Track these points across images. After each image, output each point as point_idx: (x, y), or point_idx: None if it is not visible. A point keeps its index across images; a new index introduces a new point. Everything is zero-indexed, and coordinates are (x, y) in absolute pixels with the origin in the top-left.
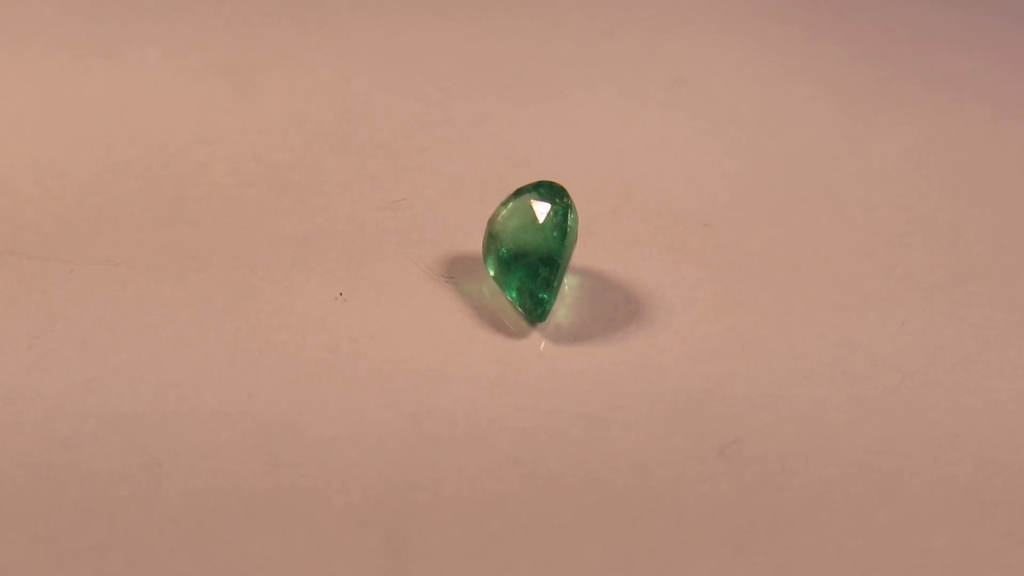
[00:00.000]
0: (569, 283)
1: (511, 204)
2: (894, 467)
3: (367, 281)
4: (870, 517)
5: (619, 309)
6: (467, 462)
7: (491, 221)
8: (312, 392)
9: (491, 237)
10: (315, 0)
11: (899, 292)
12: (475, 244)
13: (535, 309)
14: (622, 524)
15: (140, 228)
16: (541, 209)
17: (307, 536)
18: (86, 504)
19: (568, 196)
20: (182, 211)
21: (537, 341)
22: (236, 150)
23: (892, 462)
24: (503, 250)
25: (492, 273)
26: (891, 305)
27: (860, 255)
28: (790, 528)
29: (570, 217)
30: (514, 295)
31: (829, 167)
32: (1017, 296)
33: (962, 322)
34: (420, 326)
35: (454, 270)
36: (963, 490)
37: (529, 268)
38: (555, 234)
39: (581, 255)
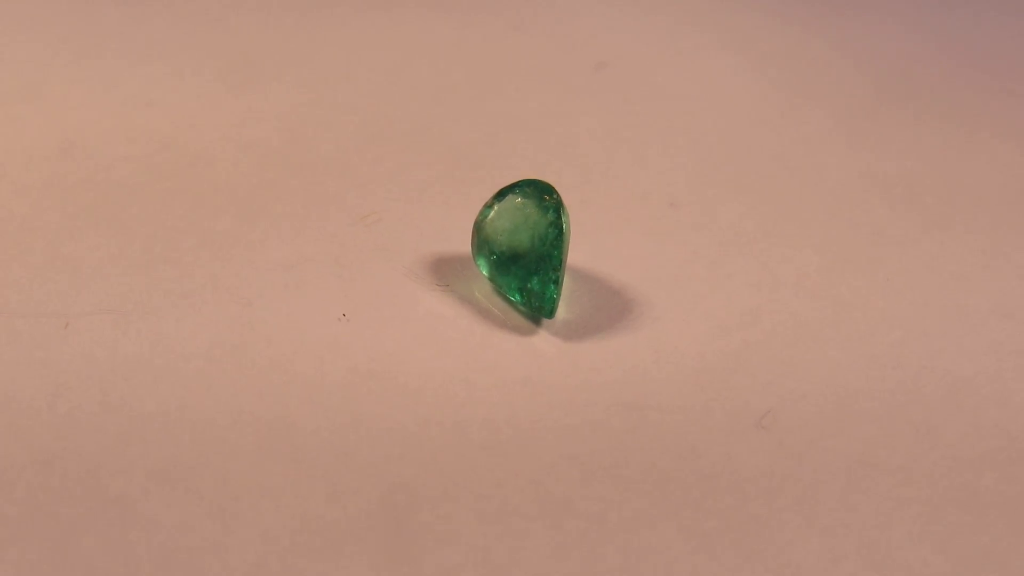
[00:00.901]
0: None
1: (499, 205)
2: (924, 416)
3: (364, 298)
4: (916, 464)
5: (615, 298)
6: (524, 465)
7: (480, 224)
8: (350, 416)
9: (483, 240)
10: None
11: (873, 249)
12: (454, 246)
13: (543, 307)
14: (689, 505)
15: (121, 273)
16: (532, 208)
17: (388, 560)
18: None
19: (556, 192)
20: (161, 251)
21: (548, 338)
22: (194, 182)
23: (919, 410)
24: (498, 252)
25: (486, 274)
26: (870, 262)
27: (826, 218)
28: (849, 485)
29: (563, 213)
30: (517, 296)
31: (770, 134)
32: (981, 239)
33: (942, 270)
34: (431, 336)
35: (440, 275)
36: (993, 429)
37: (530, 267)
38: (552, 231)
39: None
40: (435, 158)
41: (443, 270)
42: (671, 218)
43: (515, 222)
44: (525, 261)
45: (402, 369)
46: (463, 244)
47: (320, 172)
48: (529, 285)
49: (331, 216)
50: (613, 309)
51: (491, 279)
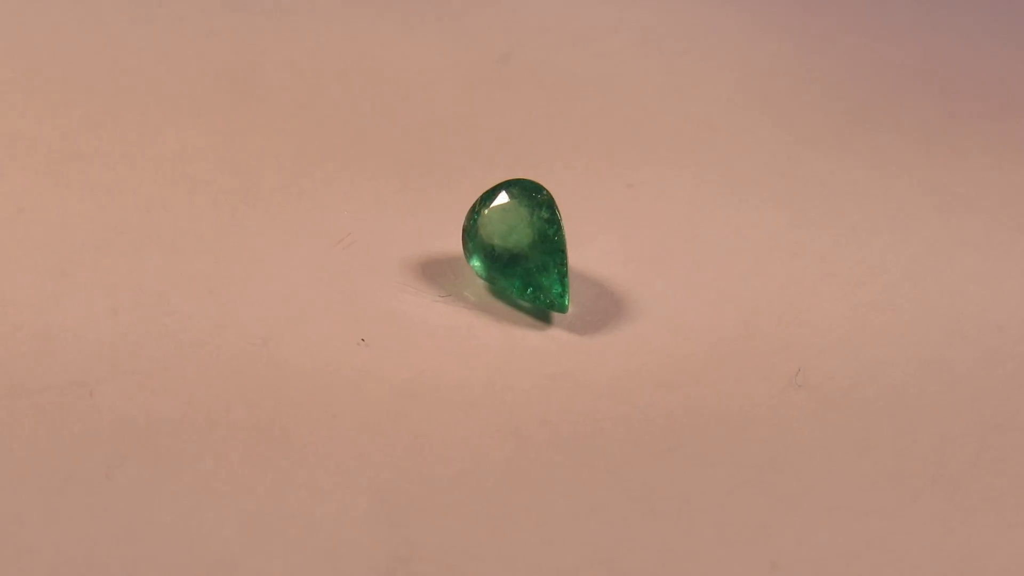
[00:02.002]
0: None
1: (489, 209)
2: (941, 352)
3: (372, 320)
4: (951, 401)
5: (606, 285)
6: (597, 456)
7: (471, 228)
8: (412, 441)
9: (478, 244)
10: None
11: (825, 200)
12: (437, 254)
13: (556, 302)
14: (750, 465)
15: (125, 332)
16: (524, 207)
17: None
18: None
19: (545, 188)
20: (153, 303)
21: (563, 333)
22: (157, 230)
23: (937, 348)
24: (496, 254)
25: (484, 276)
26: (831, 216)
27: (771, 175)
28: (892, 430)
29: (556, 207)
30: (525, 294)
31: (681, 101)
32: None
33: (899, 211)
34: (454, 347)
35: (434, 285)
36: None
37: (534, 265)
38: (551, 227)
39: None
40: (389, 169)
41: (434, 279)
42: (626, 199)
43: (509, 223)
44: (527, 260)
45: (442, 384)
46: (444, 250)
47: (279, 198)
48: (537, 283)
49: (308, 242)
50: (612, 297)
51: (490, 281)
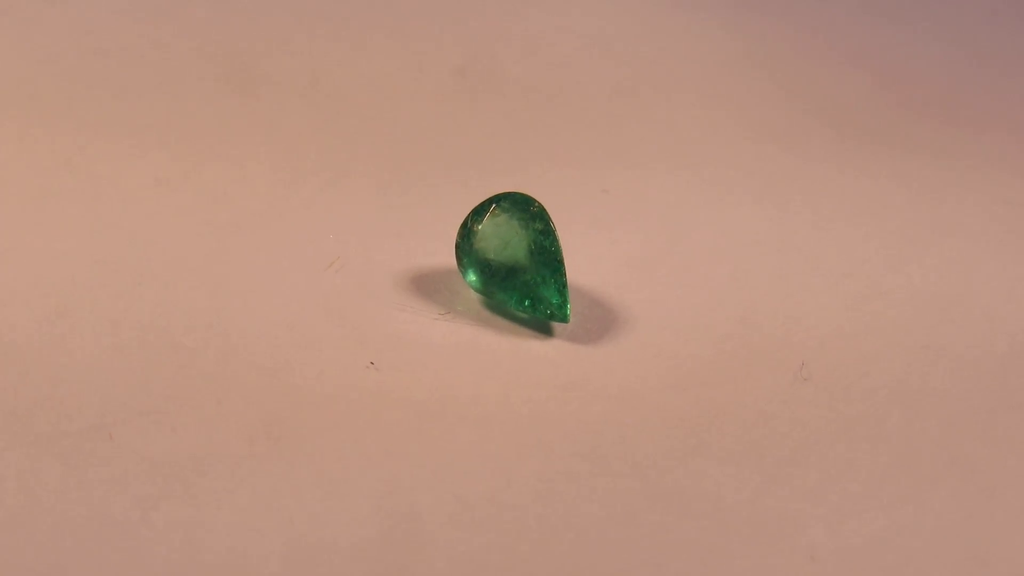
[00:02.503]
0: None
1: (482, 224)
2: (933, 337)
3: (376, 342)
4: (952, 384)
5: (598, 292)
6: (627, 458)
7: (465, 244)
8: (441, 461)
9: (474, 259)
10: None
11: (797, 195)
12: (426, 270)
13: (557, 313)
14: (773, 460)
15: (139, 372)
16: (518, 221)
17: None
18: None
19: (537, 202)
20: (158, 341)
21: (565, 343)
22: (148, 266)
23: (929, 333)
24: (493, 268)
25: (480, 290)
26: (805, 210)
27: (742, 173)
28: (901, 416)
29: (549, 219)
30: (524, 306)
31: (649, 105)
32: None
33: (870, 202)
34: (464, 364)
35: (428, 303)
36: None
37: (533, 277)
38: (547, 239)
39: None
40: (367, 188)
41: (430, 297)
42: (603, 205)
43: (503, 237)
44: (525, 272)
45: (458, 402)
46: (433, 267)
47: (261, 224)
48: (536, 294)
49: (299, 267)
50: (607, 303)
51: (487, 295)
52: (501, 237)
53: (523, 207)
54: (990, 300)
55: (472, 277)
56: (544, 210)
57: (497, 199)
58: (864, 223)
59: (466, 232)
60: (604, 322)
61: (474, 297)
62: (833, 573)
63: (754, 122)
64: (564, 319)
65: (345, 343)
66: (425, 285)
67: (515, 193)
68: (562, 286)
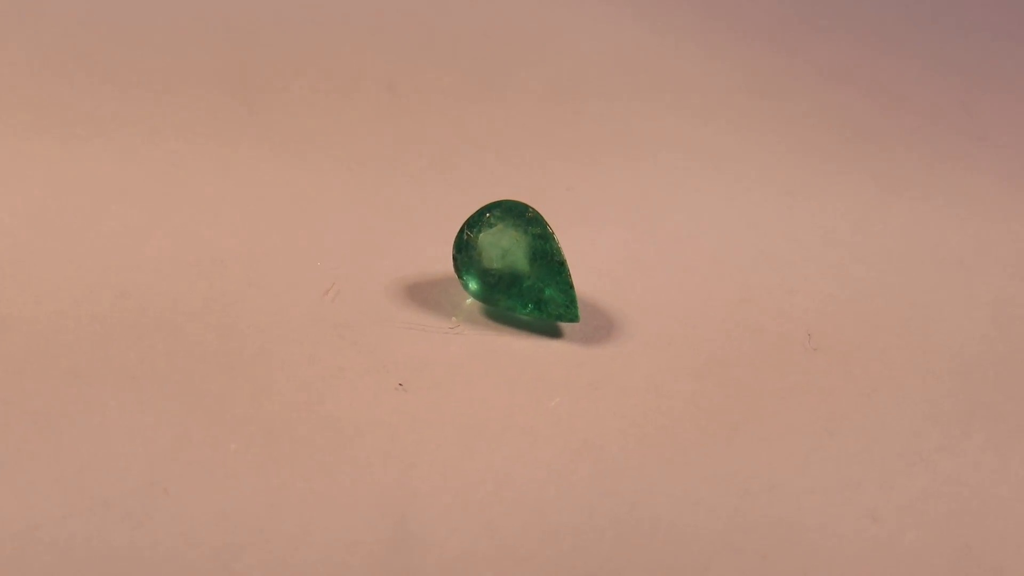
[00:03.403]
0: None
1: (480, 234)
2: (921, 295)
3: (396, 362)
4: (954, 338)
5: (595, 289)
6: (676, 447)
7: (465, 255)
8: (498, 474)
9: (475, 271)
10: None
11: (758, 171)
12: (418, 287)
13: (566, 313)
14: (811, 431)
15: (170, 429)
16: (514, 228)
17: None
18: None
19: (530, 207)
20: (188, 390)
21: (575, 344)
22: (142, 317)
23: (915, 291)
24: (498, 277)
25: (483, 299)
26: (767, 186)
27: (706, 157)
28: (916, 373)
29: (546, 223)
30: (532, 310)
31: (606, 99)
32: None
33: (827, 172)
34: (488, 375)
35: (436, 317)
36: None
37: (538, 281)
38: (548, 244)
39: None
40: (343, 210)
41: (434, 312)
42: (568, 204)
43: (503, 246)
44: (528, 279)
45: (496, 413)
46: (427, 280)
47: (246, 258)
48: (541, 298)
49: (297, 298)
50: (607, 299)
51: (490, 303)
52: (499, 246)
53: (517, 214)
54: (961, 252)
55: (474, 287)
56: (539, 214)
57: (489, 208)
58: (823, 194)
59: (463, 244)
60: (608, 319)
61: (475, 305)
62: (897, 529)
63: (711, 105)
64: (574, 319)
65: (367, 369)
66: (423, 299)
67: (506, 201)
68: (568, 287)
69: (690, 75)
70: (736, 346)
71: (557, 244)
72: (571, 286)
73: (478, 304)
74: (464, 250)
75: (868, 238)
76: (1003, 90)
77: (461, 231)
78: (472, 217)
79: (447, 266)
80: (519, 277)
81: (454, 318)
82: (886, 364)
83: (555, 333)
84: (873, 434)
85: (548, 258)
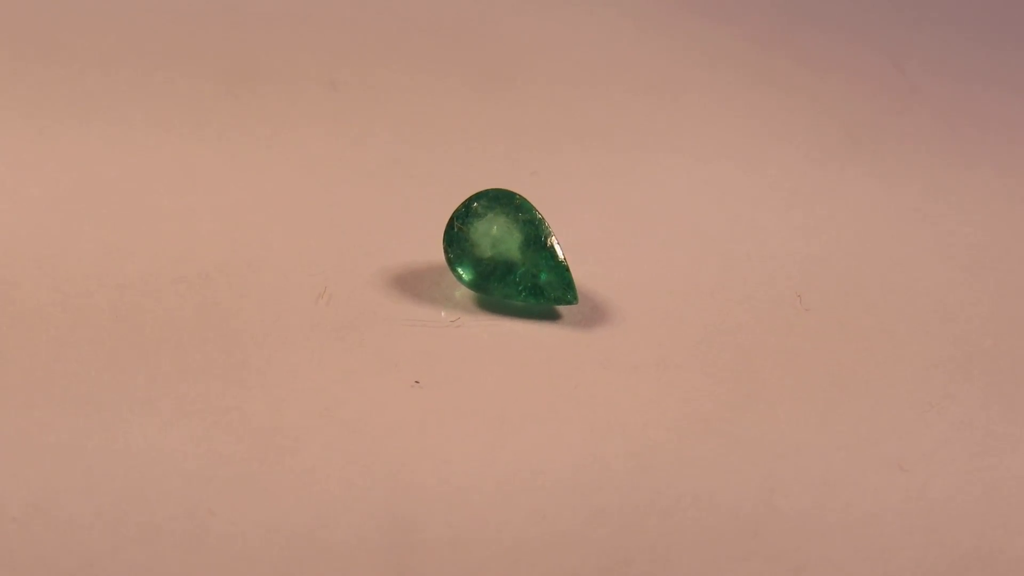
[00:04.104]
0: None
1: (470, 224)
2: (898, 251)
3: (406, 360)
4: (941, 293)
5: (582, 271)
6: (703, 414)
7: (457, 246)
8: (538, 465)
9: (468, 261)
10: None
11: (718, 141)
12: (409, 282)
13: (565, 295)
14: (826, 388)
15: (197, 451)
16: (503, 216)
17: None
18: None
19: (517, 195)
20: (209, 409)
21: (575, 328)
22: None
23: (891, 248)
24: (493, 266)
25: (477, 288)
26: (730, 155)
27: (672, 129)
28: (913, 330)
29: (535, 209)
30: (528, 295)
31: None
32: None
33: (787, 143)
34: (500, 364)
35: (434, 311)
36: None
37: (532, 266)
38: (538, 228)
39: None
40: (317, 211)
41: (431, 305)
42: (533, 187)
43: (493, 235)
44: (522, 265)
45: (518, 403)
46: (416, 274)
47: (230, 273)
48: (537, 284)
49: (291, 305)
50: (596, 280)
51: (484, 292)
52: (490, 235)
53: (505, 202)
54: (912, 203)
55: (468, 278)
56: (526, 200)
57: (476, 198)
58: (786, 163)
59: (453, 237)
60: (598, 298)
61: (467, 294)
62: (926, 477)
63: (664, 79)
64: (573, 301)
65: (378, 370)
66: (416, 292)
67: (490, 190)
68: (564, 269)
69: (644, 52)
70: (730, 315)
71: (548, 228)
72: (567, 268)
73: (468, 294)
74: (455, 243)
75: (832, 198)
76: (934, 44)
77: (450, 224)
78: (459, 209)
79: (431, 257)
80: (513, 264)
81: (443, 314)
82: (877, 318)
83: (552, 316)
84: (881, 387)
85: (539, 243)
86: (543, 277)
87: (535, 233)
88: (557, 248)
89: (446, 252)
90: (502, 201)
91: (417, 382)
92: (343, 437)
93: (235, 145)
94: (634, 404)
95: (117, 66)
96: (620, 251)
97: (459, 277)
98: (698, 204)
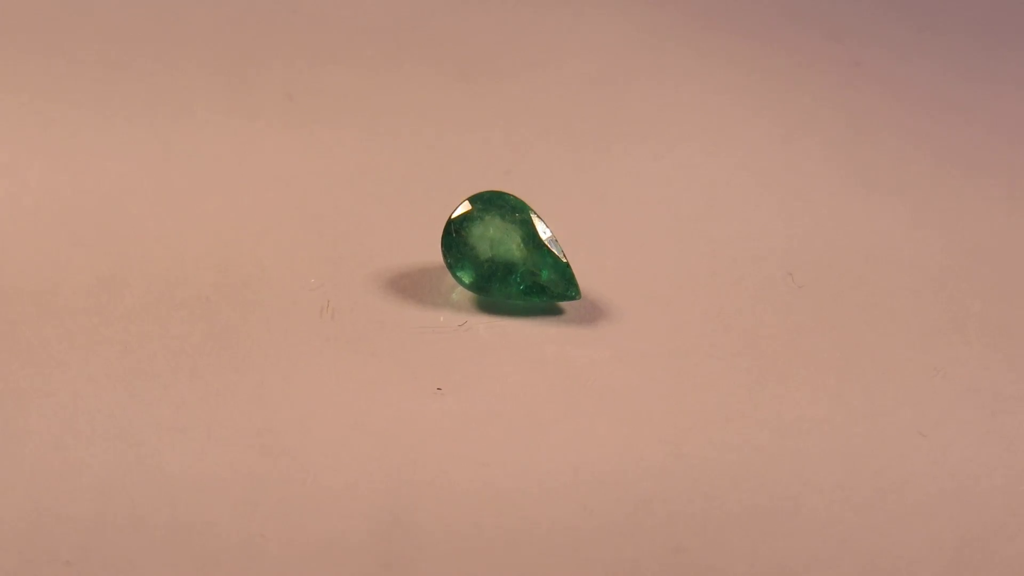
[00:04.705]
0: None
1: (468, 227)
2: (875, 221)
3: (424, 368)
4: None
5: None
6: (733, 393)
7: (455, 250)
8: (592, 468)
9: (470, 263)
10: None
11: (692, 132)
12: (411, 288)
13: (569, 290)
14: (839, 361)
15: (222, 469)
16: (498, 217)
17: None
18: None
19: (511, 195)
20: (238, 433)
21: (580, 325)
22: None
23: (867, 220)
24: (493, 267)
25: (478, 290)
26: (701, 146)
27: (649, 119)
28: (902, 290)
29: (529, 208)
30: (531, 293)
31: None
32: None
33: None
34: (520, 366)
35: (440, 316)
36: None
37: (532, 264)
38: (534, 227)
39: None
40: (305, 222)
41: (429, 309)
42: (505, 183)
43: (491, 236)
44: (523, 265)
45: (549, 404)
46: (417, 279)
47: (230, 287)
48: (537, 282)
49: (297, 319)
50: (592, 274)
51: (484, 293)
52: (488, 237)
53: (499, 203)
54: (877, 173)
55: (468, 281)
56: (520, 200)
57: (471, 200)
58: (751, 149)
59: (452, 242)
60: (597, 291)
61: (464, 295)
62: (945, 440)
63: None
64: (576, 296)
65: (398, 379)
66: (415, 296)
67: (484, 192)
68: (564, 266)
69: (598, 41)
70: (726, 298)
71: (545, 226)
72: (567, 264)
73: (465, 295)
74: (454, 247)
75: (799, 175)
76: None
77: (447, 229)
78: (456, 211)
79: (422, 260)
80: (513, 264)
81: (441, 319)
82: (870, 290)
83: (555, 312)
84: (885, 357)
85: (537, 241)
86: (544, 275)
87: (533, 232)
88: (556, 245)
89: (445, 257)
90: (496, 202)
91: (439, 389)
92: (379, 448)
93: (206, 164)
94: (654, 394)
95: (85, 86)
96: (604, 243)
97: (460, 281)
98: (672, 190)
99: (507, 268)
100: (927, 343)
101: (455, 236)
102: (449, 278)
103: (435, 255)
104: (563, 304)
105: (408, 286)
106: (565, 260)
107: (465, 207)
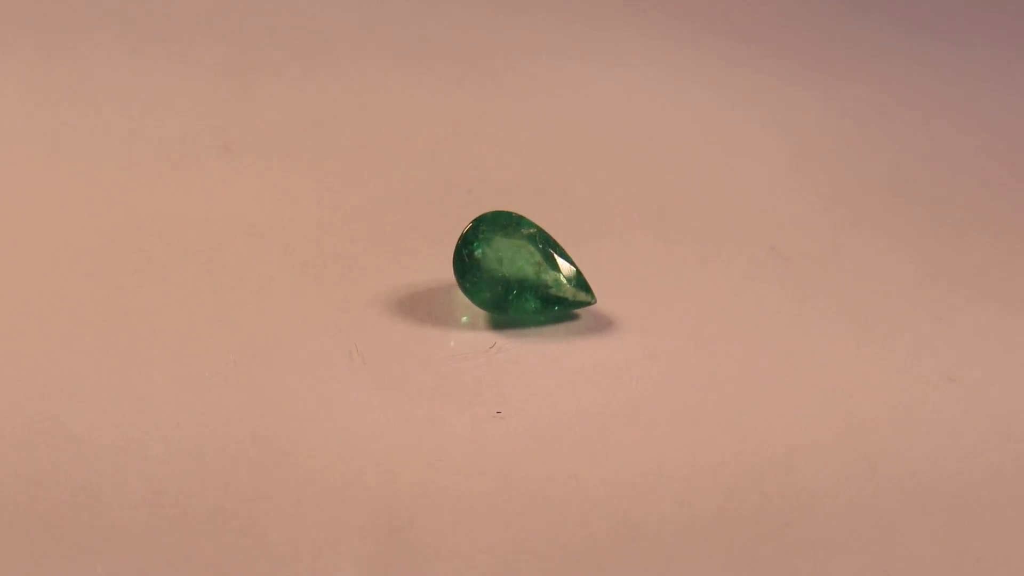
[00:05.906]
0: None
1: (478, 249)
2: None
3: (473, 394)
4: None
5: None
6: (747, 376)
7: (470, 273)
8: (664, 470)
9: (486, 283)
10: None
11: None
12: (426, 316)
13: (583, 299)
14: (865, 320)
15: (238, 465)
16: (505, 235)
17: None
18: None
19: (514, 213)
20: (267, 449)
21: (598, 335)
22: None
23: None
24: (509, 286)
25: (497, 310)
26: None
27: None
28: (890, 253)
29: (533, 224)
30: (546, 306)
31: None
32: None
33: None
34: (564, 382)
35: (471, 341)
36: None
37: (545, 281)
38: (540, 240)
39: None
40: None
41: (453, 334)
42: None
43: (502, 255)
44: (536, 279)
45: (602, 417)
46: (434, 305)
47: (248, 309)
48: (559, 292)
49: (331, 368)
50: (599, 282)
51: (501, 312)
52: (499, 255)
53: (505, 221)
54: (846, 136)
55: (486, 298)
56: (523, 217)
57: (477, 222)
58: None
59: (465, 266)
60: (616, 296)
61: (478, 317)
62: (974, 383)
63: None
64: (592, 301)
65: (457, 409)
66: (434, 323)
67: (487, 213)
68: (576, 273)
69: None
70: (719, 280)
71: (551, 238)
72: (579, 272)
73: (475, 317)
74: (469, 271)
75: (764, 140)
76: None
77: (458, 253)
78: (465, 235)
79: (425, 283)
80: (527, 280)
81: (452, 343)
82: (853, 255)
83: (571, 317)
84: (891, 317)
85: (547, 255)
86: (559, 285)
87: (541, 247)
88: (564, 253)
89: (460, 283)
90: (501, 222)
91: (499, 412)
92: (471, 483)
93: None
94: (699, 383)
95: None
96: (602, 245)
97: (477, 301)
98: (649, 181)
99: (521, 284)
100: (925, 296)
101: (467, 259)
102: (456, 301)
103: (440, 278)
104: (585, 314)
105: (422, 314)
106: (577, 268)
107: (471, 230)
